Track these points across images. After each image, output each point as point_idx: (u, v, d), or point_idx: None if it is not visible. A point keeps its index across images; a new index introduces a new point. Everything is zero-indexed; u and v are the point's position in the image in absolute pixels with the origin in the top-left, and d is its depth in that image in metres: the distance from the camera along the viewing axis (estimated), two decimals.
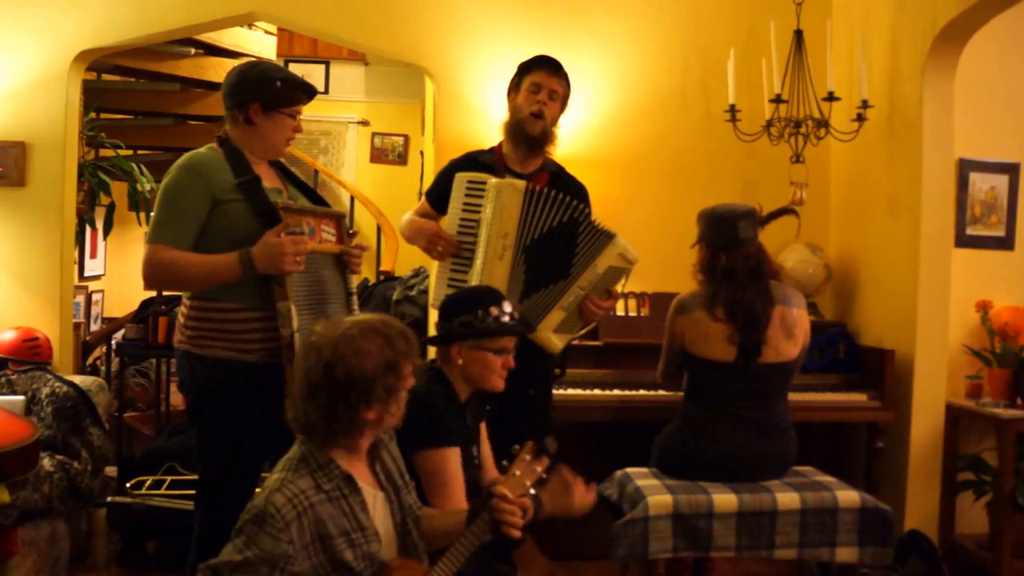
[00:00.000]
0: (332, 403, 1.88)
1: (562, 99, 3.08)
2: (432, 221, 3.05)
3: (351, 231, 2.80)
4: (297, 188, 2.70)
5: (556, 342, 2.88)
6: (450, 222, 2.94)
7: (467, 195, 2.91)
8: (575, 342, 3.28)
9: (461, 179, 2.94)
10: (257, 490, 1.91)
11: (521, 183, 2.86)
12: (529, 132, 3.00)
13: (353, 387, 1.87)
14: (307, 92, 2.58)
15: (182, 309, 2.51)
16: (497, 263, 2.84)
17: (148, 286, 2.49)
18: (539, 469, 2.02)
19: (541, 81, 3.03)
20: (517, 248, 2.85)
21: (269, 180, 2.57)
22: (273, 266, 2.34)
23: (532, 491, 2.01)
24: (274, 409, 2.06)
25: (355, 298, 2.69)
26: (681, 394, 3.12)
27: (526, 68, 3.08)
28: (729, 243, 2.96)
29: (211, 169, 2.44)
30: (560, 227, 2.85)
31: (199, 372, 2.44)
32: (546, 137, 3.03)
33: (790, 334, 2.95)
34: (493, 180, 2.88)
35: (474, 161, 3.10)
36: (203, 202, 2.40)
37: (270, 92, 2.49)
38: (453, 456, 2.32)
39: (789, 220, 3.69)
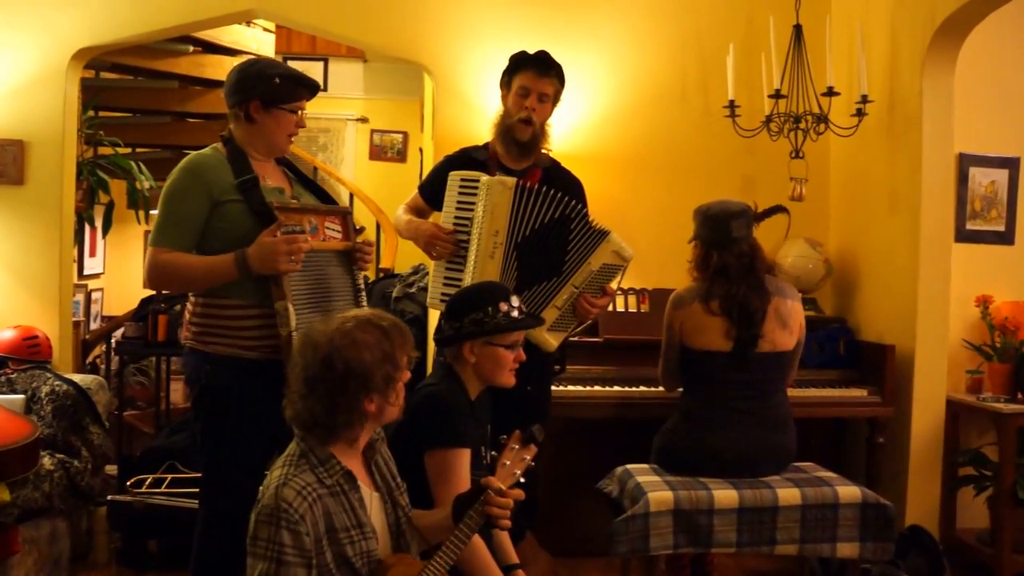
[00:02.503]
0: (332, 395, 1.89)
1: (553, 98, 3.07)
2: (428, 221, 3.05)
3: (358, 227, 2.79)
4: (305, 186, 2.71)
5: (551, 340, 2.87)
6: (445, 220, 2.94)
7: (460, 193, 2.91)
8: (575, 338, 3.27)
9: (454, 177, 2.94)
10: (260, 488, 1.91)
11: (511, 180, 2.85)
12: (519, 138, 3.01)
13: (352, 377, 1.89)
14: (308, 87, 2.59)
15: (188, 306, 2.55)
16: (489, 261, 2.83)
17: (151, 287, 2.51)
18: (528, 458, 2.03)
19: (530, 85, 3.01)
20: (508, 245, 2.84)
21: (274, 179, 2.58)
22: (268, 266, 2.35)
23: (522, 480, 2.01)
24: (276, 405, 2.07)
25: (364, 294, 2.69)
26: (681, 391, 3.12)
27: (515, 67, 3.06)
28: (722, 241, 2.98)
29: (211, 170, 2.45)
30: (552, 224, 2.84)
31: (202, 367, 2.46)
32: (536, 141, 3.03)
33: (785, 325, 2.98)
34: (485, 178, 2.88)
35: (468, 157, 3.10)
36: (202, 204, 2.42)
37: (269, 89, 2.49)
38: (464, 457, 2.32)
39: (786, 217, 3.69)
